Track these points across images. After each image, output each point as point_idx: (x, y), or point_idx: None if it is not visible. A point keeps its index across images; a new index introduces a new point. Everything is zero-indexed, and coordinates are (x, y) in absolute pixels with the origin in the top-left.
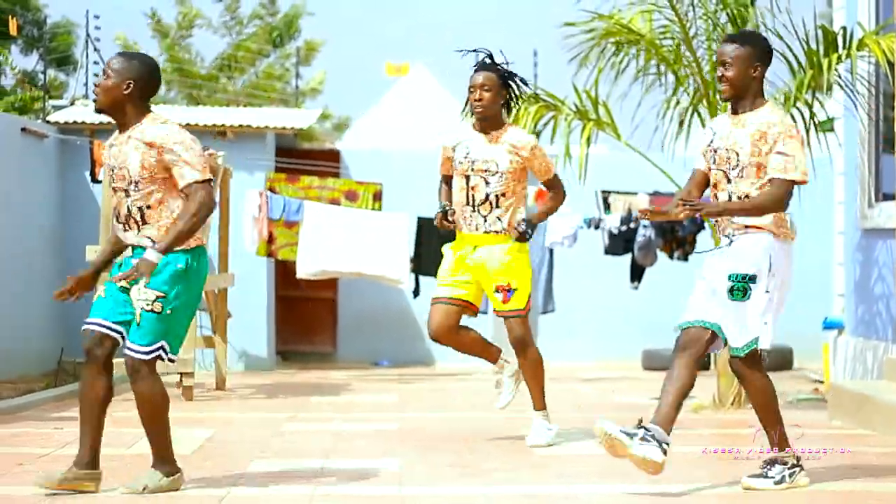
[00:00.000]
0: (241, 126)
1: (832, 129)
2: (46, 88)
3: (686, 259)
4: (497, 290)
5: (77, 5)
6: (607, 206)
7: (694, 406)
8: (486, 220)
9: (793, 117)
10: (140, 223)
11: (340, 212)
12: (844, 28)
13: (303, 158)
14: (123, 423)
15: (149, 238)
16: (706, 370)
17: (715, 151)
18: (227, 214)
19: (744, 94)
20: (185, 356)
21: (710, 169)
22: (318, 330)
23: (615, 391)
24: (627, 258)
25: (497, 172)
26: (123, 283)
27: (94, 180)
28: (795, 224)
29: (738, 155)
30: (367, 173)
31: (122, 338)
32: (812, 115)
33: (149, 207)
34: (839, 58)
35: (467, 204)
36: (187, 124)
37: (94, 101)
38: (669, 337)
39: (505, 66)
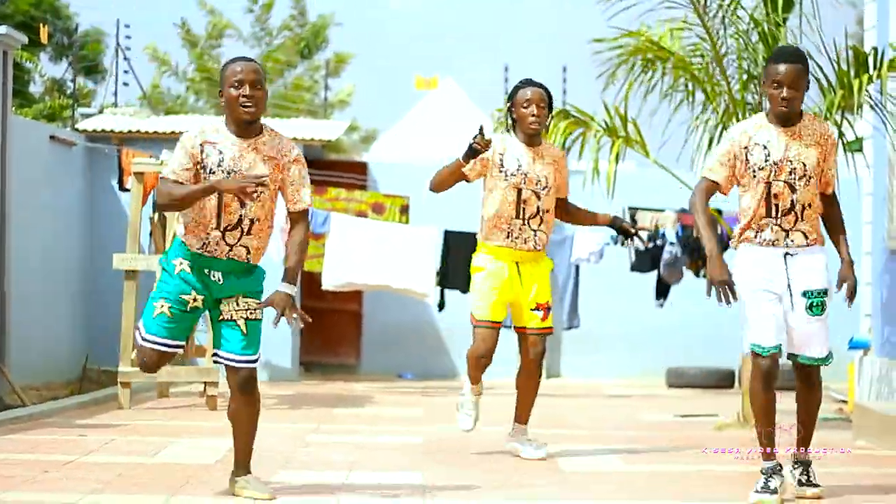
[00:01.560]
0: None
1: (861, 150)
2: (75, 96)
3: None
4: (538, 308)
5: (108, 14)
6: (634, 223)
7: (718, 424)
8: (535, 235)
9: None
10: (245, 233)
11: (367, 224)
12: (875, 49)
13: (330, 170)
14: (148, 431)
15: (246, 249)
16: (731, 388)
17: (775, 164)
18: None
19: (798, 109)
20: (210, 366)
21: (763, 181)
22: (343, 342)
23: (640, 409)
24: (653, 275)
25: (547, 187)
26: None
27: (122, 188)
28: None
29: (804, 165)
30: (394, 186)
31: (184, 348)
32: (841, 135)
33: (258, 220)
34: (870, 78)
35: (517, 217)
36: None
37: (250, 113)
38: (694, 355)
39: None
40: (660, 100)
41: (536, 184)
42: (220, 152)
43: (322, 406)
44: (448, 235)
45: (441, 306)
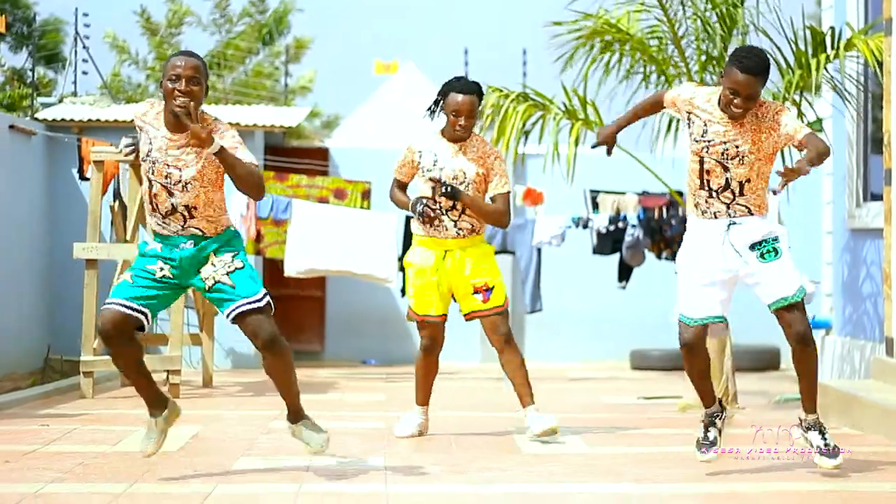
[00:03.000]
0: (229, 124)
1: (821, 130)
2: (35, 86)
3: (674, 259)
4: (476, 291)
5: (66, 3)
6: (595, 206)
7: (681, 405)
8: (455, 224)
9: None
10: (189, 217)
11: (329, 210)
12: (833, 28)
13: (291, 156)
14: (111, 420)
15: (198, 230)
16: None
17: (708, 143)
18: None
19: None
20: (173, 353)
21: (697, 154)
22: (306, 328)
23: (603, 391)
24: (615, 258)
25: (465, 182)
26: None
27: (82, 177)
28: None
29: (737, 148)
30: (355, 172)
31: (146, 319)
32: (800, 115)
33: (196, 207)
34: (828, 58)
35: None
36: None
37: (182, 108)
38: (657, 337)
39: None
40: (618, 82)
41: (453, 178)
42: (150, 142)
43: None
44: (409, 221)
45: (404, 291)
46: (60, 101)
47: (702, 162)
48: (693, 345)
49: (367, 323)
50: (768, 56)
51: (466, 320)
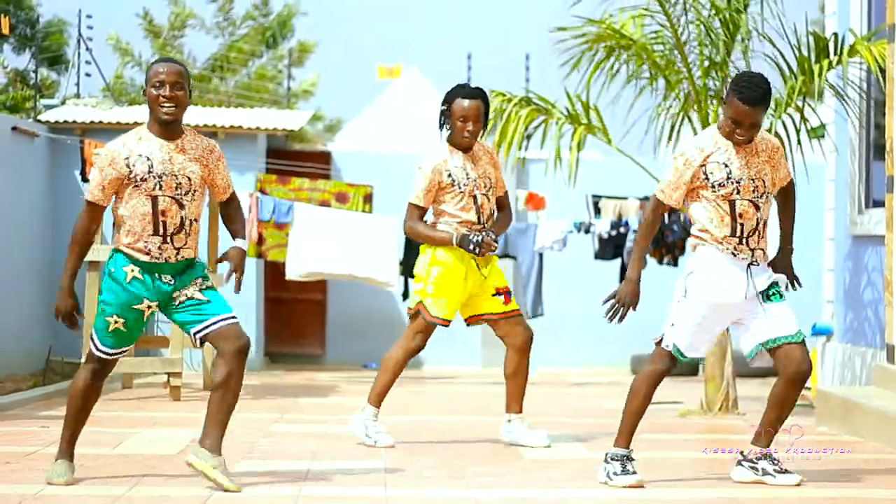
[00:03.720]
0: (232, 127)
1: (823, 136)
2: (38, 87)
3: (675, 264)
4: (497, 293)
5: (70, 5)
6: (597, 211)
7: (681, 411)
8: (490, 233)
9: (784, 124)
10: (187, 234)
11: (330, 214)
12: (836, 34)
13: (294, 160)
14: (110, 422)
15: (190, 249)
16: (694, 375)
17: (738, 182)
18: (217, 215)
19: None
20: (174, 356)
21: (726, 199)
22: (307, 332)
23: (603, 396)
24: (617, 263)
25: (491, 187)
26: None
27: (85, 179)
28: None
29: (763, 183)
30: (357, 175)
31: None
32: (803, 121)
33: (195, 219)
34: (830, 64)
35: (478, 222)
36: None
37: (169, 113)
38: None
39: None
40: (622, 88)
41: (485, 187)
42: (148, 158)
43: (286, 396)
44: None
45: (405, 295)
46: (63, 102)
47: (733, 206)
48: (664, 375)
49: (368, 326)
50: (768, 82)
51: (477, 323)
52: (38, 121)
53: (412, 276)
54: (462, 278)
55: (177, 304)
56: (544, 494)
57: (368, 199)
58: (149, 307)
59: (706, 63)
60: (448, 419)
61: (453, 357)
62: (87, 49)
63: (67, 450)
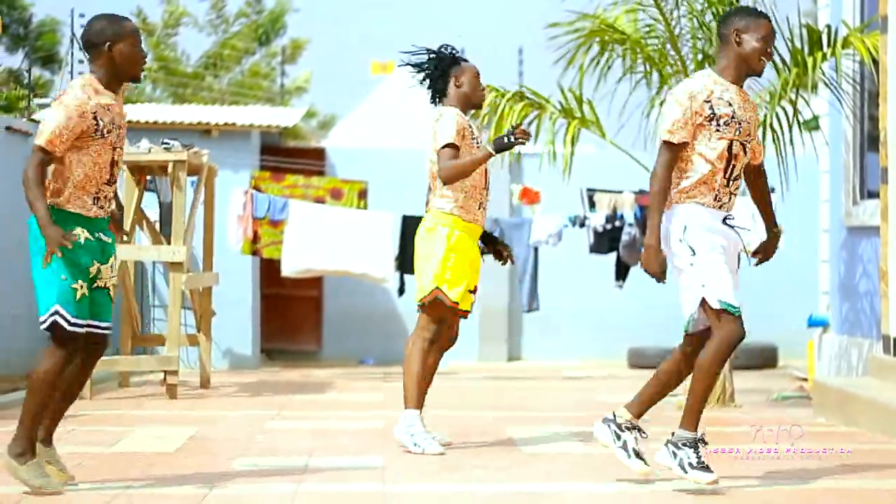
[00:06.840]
0: (226, 124)
1: (817, 128)
2: (31, 87)
3: None
4: (474, 291)
5: (63, 4)
6: (592, 205)
7: (678, 404)
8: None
9: (777, 116)
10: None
11: (325, 210)
12: (829, 26)
13: (288, 157)
14: (108, 421)
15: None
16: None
17: (739, 124)
18: (212, 213)
19: None
20: (170, 353)
21: (727, 139)
22: (303, 328)
23: (600, 390)
24: (612, 257)
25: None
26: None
27: None
28: None
29: (753, 129)
30: (352, 172)
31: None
32: (797, 114)
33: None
34: (824, 56)
35: (485, 187)
36: (172, 122)
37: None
38: (654, 335)
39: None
40: (616, 82)
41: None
42: (109, 110)
43: (283, 393)
44: (406, 220)
45: (401, 291)
46: None
47: (730, 146)
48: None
49: (364, 322)
50: None
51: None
52: (32, 120)
53: (409, 272)
54: (475, 264)
55: (97, 284)
56: (542, 488)
57: (363, 195)
58: (97, 269)
59: (700, 56)
60: (446, 414)
61: (450, 351)
62: (81, 48)
63: (33, 446)
